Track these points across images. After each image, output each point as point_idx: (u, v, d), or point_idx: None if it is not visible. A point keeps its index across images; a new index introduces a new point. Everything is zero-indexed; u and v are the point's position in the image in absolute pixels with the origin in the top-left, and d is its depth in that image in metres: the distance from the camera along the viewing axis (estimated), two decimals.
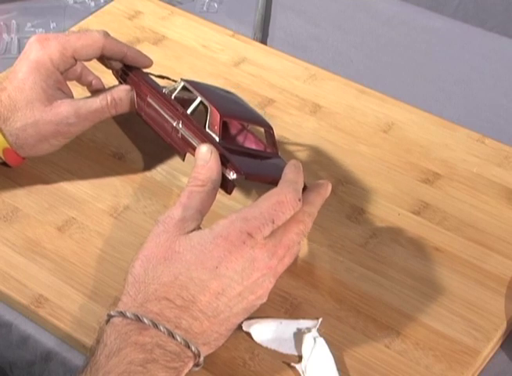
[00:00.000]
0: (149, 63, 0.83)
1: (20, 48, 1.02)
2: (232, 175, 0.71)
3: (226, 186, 0.71)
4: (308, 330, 0.70)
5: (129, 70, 0.82)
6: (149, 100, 0.79)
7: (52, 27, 1.05)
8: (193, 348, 0.64)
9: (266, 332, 0.70)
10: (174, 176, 0.83)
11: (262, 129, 0.80)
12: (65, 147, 0.81)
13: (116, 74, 0.84)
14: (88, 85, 0.85)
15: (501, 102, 0.96)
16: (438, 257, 0.76)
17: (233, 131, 0.81)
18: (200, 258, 0.65)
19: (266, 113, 0.88)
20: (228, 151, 0.72)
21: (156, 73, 0.84)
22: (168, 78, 0.84)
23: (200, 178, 0.70)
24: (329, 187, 0.73)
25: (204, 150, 0.71)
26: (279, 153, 0.79)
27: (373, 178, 0.83)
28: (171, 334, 0.63)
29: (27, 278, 0.75)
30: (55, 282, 0.74)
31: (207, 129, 0.74)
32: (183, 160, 0.76)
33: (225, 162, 0.71)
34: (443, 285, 0.74)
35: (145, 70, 0.83)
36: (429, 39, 1.04)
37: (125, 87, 0.81)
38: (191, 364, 0.65)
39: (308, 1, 1.09)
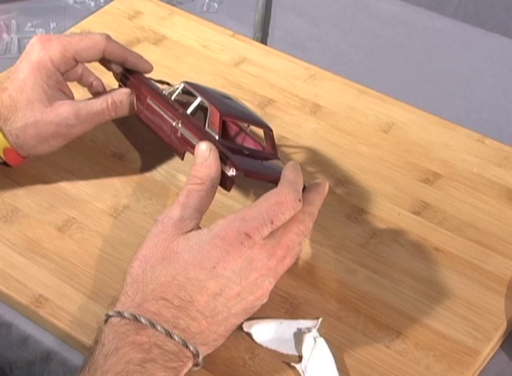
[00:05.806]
0: (150, 69, 0.83)
1: (20, 48, 1.02)
2: (231, 172, 0.71)
3: (225, 182, 0.71)
4: (308, 330, 0.70)
5: (129, 73, 0.82)
6: (149, 102, 0.79)
7: (52, 27, 1.05)
8: (192, 348, 0.64)
9: (266, 332, 0.70)
10: (173, 176, 0.83)
11: (262, 131, 0.80)
12: (65, 147, 0.82)
13: (116, 76, 0.84)
14: (89, 86, 0.85)
15: (501, 102, 0.96)
16: (438, 257, 0.76)
17: (232, 134, 0.81)
18: (197, 259, 0.65)
19: (266, 114, 0.88)
20: (228, 150, 0.72)
21: (157, 78, 0.83)
22: (168, 84, 0.84)
23: (199, 176, 0.69)
24: (327, 185, 0.73)
25: (204, 148, 0.71)
26: (279, 154, 0.79)
27: (373, 178, 0.83)
28: (169, 334, 0.63)
29: (27, 278, 0.75)
30: (55, 282, 0.74)
31: (207, 128, 0.74)
32: (182, 159, 0.76)
33: (224, 159, 0.71)
34: (443, 285, 0.74)
35: (145, 76, 0.83)
36: (429, 39, 1.04)
37: (126, 90, 0.81)
38: (190, 364, 0.64)
39: (308, 1, 1.09)
